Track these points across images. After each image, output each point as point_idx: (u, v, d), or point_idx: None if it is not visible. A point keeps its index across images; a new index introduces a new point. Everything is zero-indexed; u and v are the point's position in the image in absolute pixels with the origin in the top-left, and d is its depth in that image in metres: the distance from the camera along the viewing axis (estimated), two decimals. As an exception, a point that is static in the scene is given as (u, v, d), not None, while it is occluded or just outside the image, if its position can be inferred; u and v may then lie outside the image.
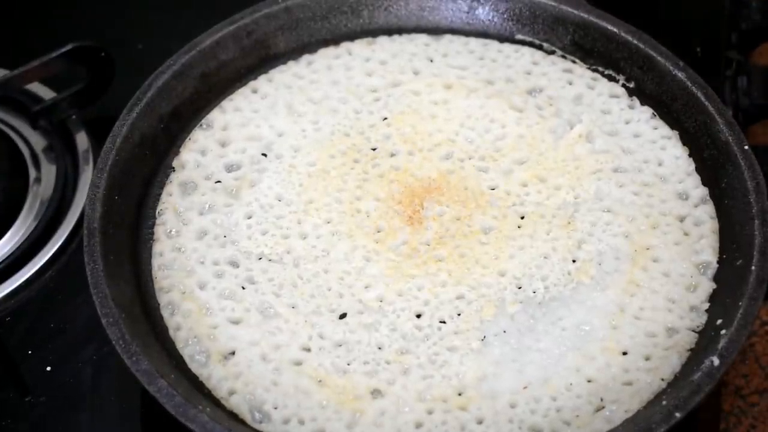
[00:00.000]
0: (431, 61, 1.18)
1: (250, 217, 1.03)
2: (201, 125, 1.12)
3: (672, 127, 1.10)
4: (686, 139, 1.09)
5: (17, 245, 1.13)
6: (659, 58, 1.11)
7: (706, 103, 1.06)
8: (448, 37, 1.21)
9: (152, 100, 1.07)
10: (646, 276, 0.98)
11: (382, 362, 0.92)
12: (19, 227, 1.15)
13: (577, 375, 0.91)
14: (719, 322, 0.91)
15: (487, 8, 1.21)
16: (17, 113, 1.27)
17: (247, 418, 0.89)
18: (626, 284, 0.97)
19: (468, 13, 1.22)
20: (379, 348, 0.93)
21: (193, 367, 0.92)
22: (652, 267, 0.98)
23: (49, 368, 1.04)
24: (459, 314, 0.95)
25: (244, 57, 1.17)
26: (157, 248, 1.01)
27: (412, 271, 0.98)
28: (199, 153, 1.09)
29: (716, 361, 0.86)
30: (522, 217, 1.03)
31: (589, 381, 0.91)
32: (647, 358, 0.92)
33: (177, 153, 1.09)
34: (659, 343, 0.93)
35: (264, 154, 1.09)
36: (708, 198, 1.04)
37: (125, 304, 0.92)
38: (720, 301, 0.94)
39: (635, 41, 1.13)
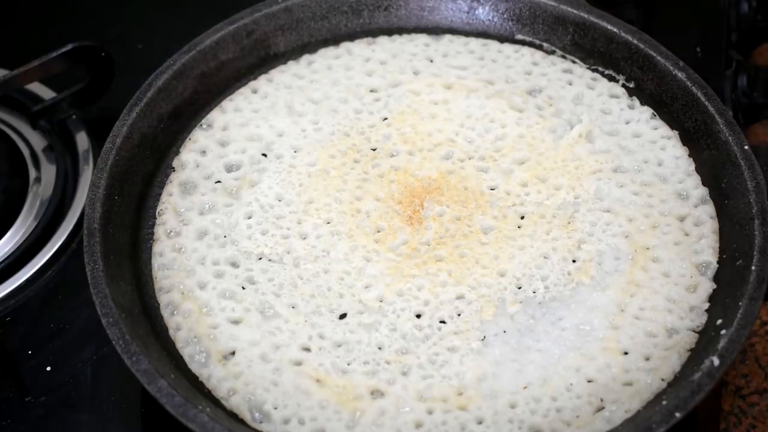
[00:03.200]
0: (431, 61, 1.18)
1: (250, 217, 1.03)
2: (201, 125, 1.12)
3: (672, 127, 1.10)
4: (686, 139, 1.09)
5: (17, 245, 1.13)
6: (659, 58, 1.11)
7: (706, 103, 1.06)
8: (448, 37, 1.21)
9: (152, 100, 1.07)
10: (646, 276, 0.98)
11: (382, 362, 0.92)
12: (19, 227, 1.15)
13: (577, 375, 0.91)
14: (719, 322, 0.91)
15: (487, 8, 1.21)
16: (17, 113, 1.27)
17: (247, 418, 0.89)
18: (626, 284, 0.97)
19: (468, 13, 1.22)
20: (379, 348, 0.93)
21: (193, 367, 0.92)
22: (652, 267, 0.98)
23: (49, 368, 1.04)
24: (459, 314, 0.95)
25: (244, 57, 1.17)
26: (157, 248, 1.01)
27: (412, 271, 0.98)
28: (199, 153, 1.09)
29: (716, 361, 0.86)
30: (522, 217, 1.03)
31: (589, 381, 0.90)
32: (647, 358, 0.92)
33: (177, 153, 1.09)
34: (659, 343, 0.93)
35: (264, 154, 1.09)
36: (708, 198, 1.03)
37: (125, 304, 0.92)
38: (720, 301, 0.94)
39: (635, 41, 1.13)
